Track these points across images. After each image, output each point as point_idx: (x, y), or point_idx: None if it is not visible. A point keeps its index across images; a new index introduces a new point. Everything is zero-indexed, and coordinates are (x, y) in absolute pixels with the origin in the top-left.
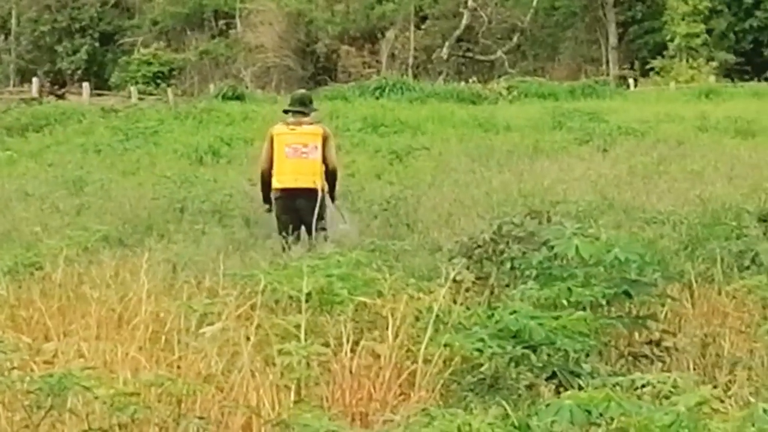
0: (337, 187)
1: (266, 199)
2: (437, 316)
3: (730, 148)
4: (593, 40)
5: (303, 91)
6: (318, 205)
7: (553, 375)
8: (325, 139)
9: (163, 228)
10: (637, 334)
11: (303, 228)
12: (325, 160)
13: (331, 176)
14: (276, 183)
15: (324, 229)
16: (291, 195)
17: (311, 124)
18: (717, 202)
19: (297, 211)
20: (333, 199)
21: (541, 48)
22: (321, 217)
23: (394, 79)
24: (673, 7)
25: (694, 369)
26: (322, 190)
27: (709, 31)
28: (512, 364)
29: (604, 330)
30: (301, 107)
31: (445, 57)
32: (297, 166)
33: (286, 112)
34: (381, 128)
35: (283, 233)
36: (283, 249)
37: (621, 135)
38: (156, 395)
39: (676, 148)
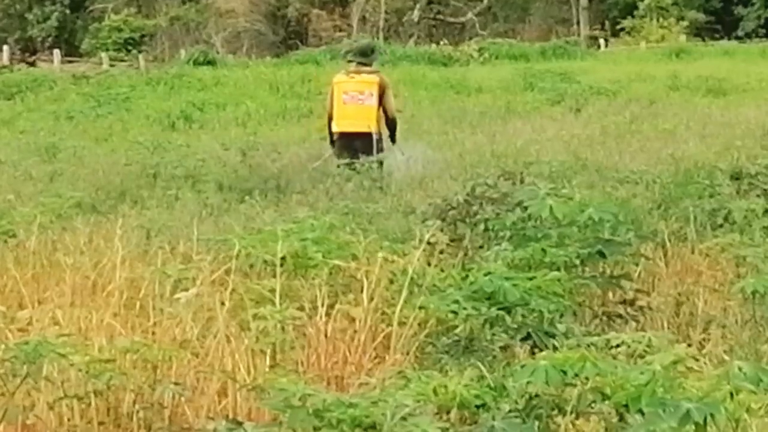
0: (397, 133)
1: (333, 142)
2: (412, 278)
3: (702, 106)
4: (564, 0)
5: (366, 41)
6: (374, 148)
7: (528, 336)
8: (382, 89)
9: (137, 194)
10: (611, 294)
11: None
12: (384, 109)
13: (391, 123)
14: (335, 127)
15: (378, 167)
16: (348, 138)
17: (371, 73)
18: (689, 161)
19: (355, 152)
20: (393, 141)
21: (511, 9)
22: (380, 160)
23: None
24: None
25: (669, 328)
26: (378, 134)
27: None
28: (487, 325)
29: (578, 290)
30: (362, 57)
31: (416, 20)
32: (354, 112)
33: (349, 61)
34: None
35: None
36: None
37: (593, 95)
38: (131, 361)
39: (647, 108)
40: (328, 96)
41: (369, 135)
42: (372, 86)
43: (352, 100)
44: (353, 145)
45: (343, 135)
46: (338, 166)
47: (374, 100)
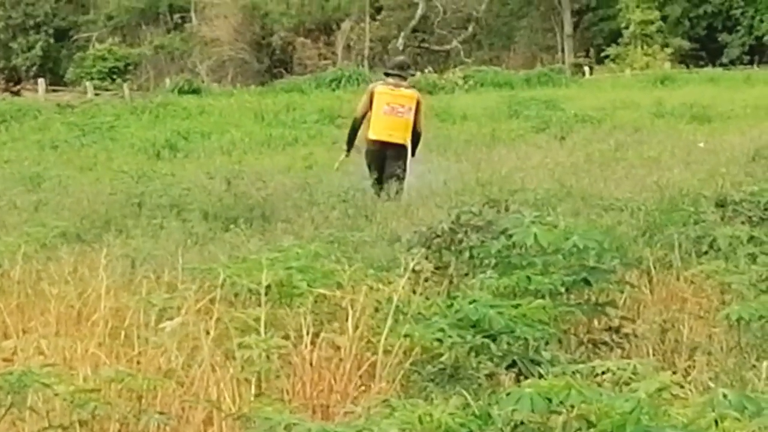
0: (419, 147)
1: (350, 144)
2: (397, 306)
3: (687, 134)
4: (548, 28)
5: (402, 57)
6: (404, 158)
7: (513, 364)
8: (418, 104)
9: (121, 223)
10: (596, 321)
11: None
12: (415, 122)
13: (416, 136)
14: (371, 134)
15: (402, 178)
16: (382, 147)
17: (408, 88)
18: (674, 188)
19: (384, 160)
20: (413, 154)
21: (496, 37)
22: (404, 169)
23: (350, 71)
24: None
25: (654, 355)
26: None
27: (663, 18)
28: (472, 353)
29: (564, 318)
30: (400, 71)
31: (400, 47)
32: (392, 123)
33: (387, 74)
34: (338, 119)
35: (375, 177)
36: (377, 192)
37: (577, 123)
38: (116, 391)
39: (632, 135)
40: (361, 103)
41: (402, 146)
42: (411, 101)
43: (393, 112)
44: (384, 152)
45: (377, 143)
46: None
47: (411, 114)
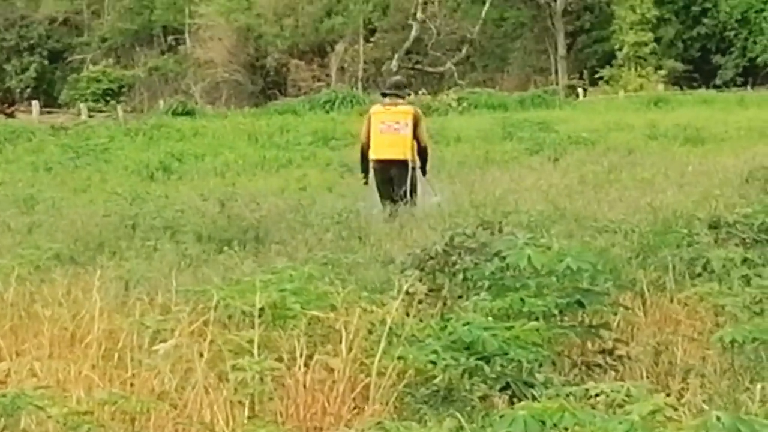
0: (428, 163)
1: (364, 170)
2: (390, 328)
3: (680, 155)
4: (542, 50)
5: (399, 77)
6: (408, 175)
7: (507, 386)
8: (416, 119)
9: (115, 245)
10: (590, 344)
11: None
12: (416, 138)
13: (422, 153)
14: (372, 155)
15: (412, 198)
16: (385, 165)
17: (405, 105)
18: (668, 210)
19: (391, 179)
20: (424, 172)
21: (490, 59)
22: (413, 188)
23: (344, 93)
24: (621, 16)
25: (647, 377)
26: (413, 162)
27: (657, 40)
28: (466, 375)
29: (557, 340)
30: (396, 90)
31: (394, 69)
32: (390, 140)
33: (384, 95)
34: (332, 141)
35: (384, 199)
36: (386, 214)
37: (571, 144)
38: (110, 413)
39: (626, 157)
40: (363, 126)
41: (404, 162)
42: (407, 116)
43: (389, 130)
44: (389, 171)
45: (380, 162)
46: (382, 200)
47: (409, 130)
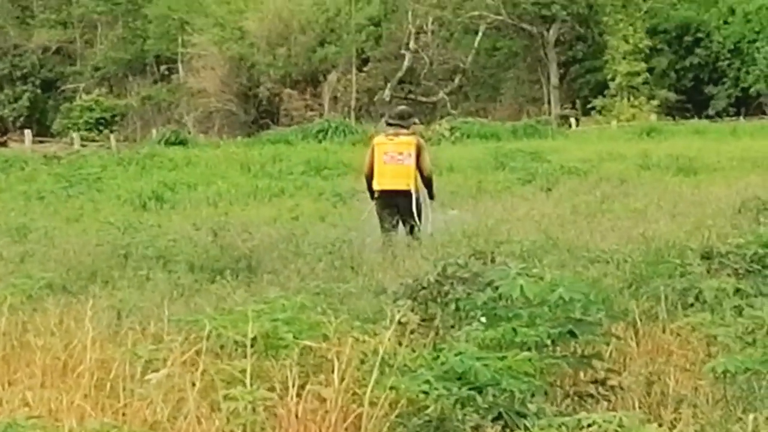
0: (434, 189)
1: (372, 195)
2: (383, 358)
3: (673, 185)
4: (534, 80)
5: (403, 106)
6: (414, 204)
7: (499, 416)
8: (419, 149)
9: (108, 275)
10: (582, 374)
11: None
12: (420, 168)
13: (427, 181)
14: (376, 185)
15: (419, 223)
16: (389, 195)
17: (408, 135)
18: (660, 240)
19: (396, 208)
20: (432, 197)
21: (482, 89)
22: (418, 215)
23: (336, 122)
24: (613, 46)
25: (640, 407)
26: (417, 191)
27: (650, 70)
28: (458, 405)
29: (550, 370)
30: (400, 120)
31: (387, 99)
32: (393, 171)
33: (388, 124)
34: (324, 171)
35: (385, 226)
36: (386, 243)
37: (564, 174)
38: None
39: (618, 187)
40: (367, 157)
41: (408, 192)
42: (410, 147)
43: (392, 160)
44: (394, 201)
45: (384, 192)
46: (383, 228)
47: (412, 160)
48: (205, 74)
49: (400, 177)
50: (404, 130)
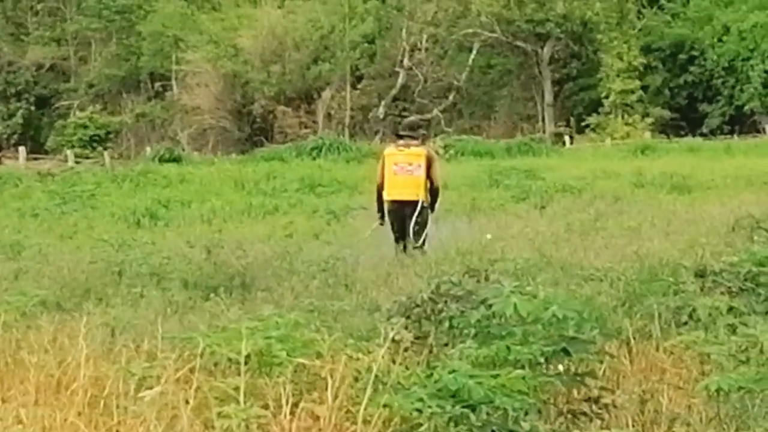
0: (438, 201)
1: (380, 210)
2: (376, 376)
3: (667, 203)
4: (529, 97)
5: (413, 118)
6: (418, 212)
7: None
8: (429, 160)
9: (102, 292)
10: (575, 392)
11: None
12: (430, 178)
13: (434, 191)
14: (386, 195)
15: (421, 235)
16: (399, 205)
17: (418, 146)
18: (654, 258)
19: (405, 218)
20: (432, 209)
21: (477, 106)
22: (424, 224)
23: (330, 139)
24: (608, 64)
25: (633, 425)
26: (425, 201)
27: (644, 88)
28: (451, 423)
29: (543, 388)
30: (411, 131)
31: (381, 116)
32: (403, 181)
33: (399, 136)
34: (318, 188)
35: (398, 238)
36: (396, 252)
37: (558, 192)
38: None
39: (612, 205)
40: (378, 167)
41: (417, 203)
42: (420, 158)
43: (402, 171)
44: (403, 211)
45: (394, 203)
46: (395, 237)
47: (422, 171)
48: (199, 91)
49: (409, 188)
50: (415, 141)
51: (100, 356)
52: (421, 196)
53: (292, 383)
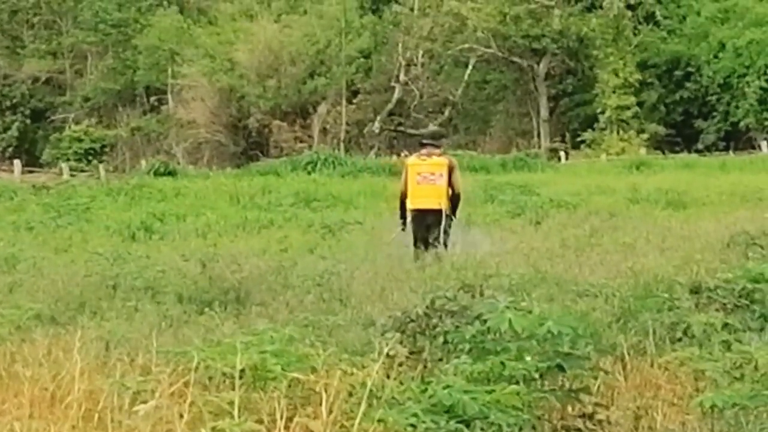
0: (459, 208)
1: (402, 217)
2: (371, 391)
3: (662, 219)
4: (524, 113)
5: (435, 127)
6: (443, 221)
7: None
8: (451, 169)
9: (96, 305)
10: (570, 408)
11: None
12: (451, 186)
13: (455, 199)
14: (409, 204)
15: (444, 241)
16: (422, 214)
17: (440, 155)
18: (649, 274)
19: (428, 227)
20: (454, 215)
21: (472, 121)
22: (446, 232)
23: (326, 154)
24: (603, 80)
25: None
26: (447, 209)
27: (639, 104)
28: None
29: (537, 403)
30: (433, 140)
31: (377, 131)
32: (426, 191)
33: (421, 144)
34: (313, 203)
35: (418, 244)
36: (416, 258)
37: (553, 208)
38: None
39: (607, 221)
40: (402, 177)
41: (440, 211)
42: (442, 167)
43: (425, 180)
44: (426, 220)
45: (417, 211)
46: (415, 245)
47: (444, 180)
48: (195, 105)
49: (432, 196)
50: (437, 151)
51: (94, 370)
52: (443, 204)
53: (287, 398)
